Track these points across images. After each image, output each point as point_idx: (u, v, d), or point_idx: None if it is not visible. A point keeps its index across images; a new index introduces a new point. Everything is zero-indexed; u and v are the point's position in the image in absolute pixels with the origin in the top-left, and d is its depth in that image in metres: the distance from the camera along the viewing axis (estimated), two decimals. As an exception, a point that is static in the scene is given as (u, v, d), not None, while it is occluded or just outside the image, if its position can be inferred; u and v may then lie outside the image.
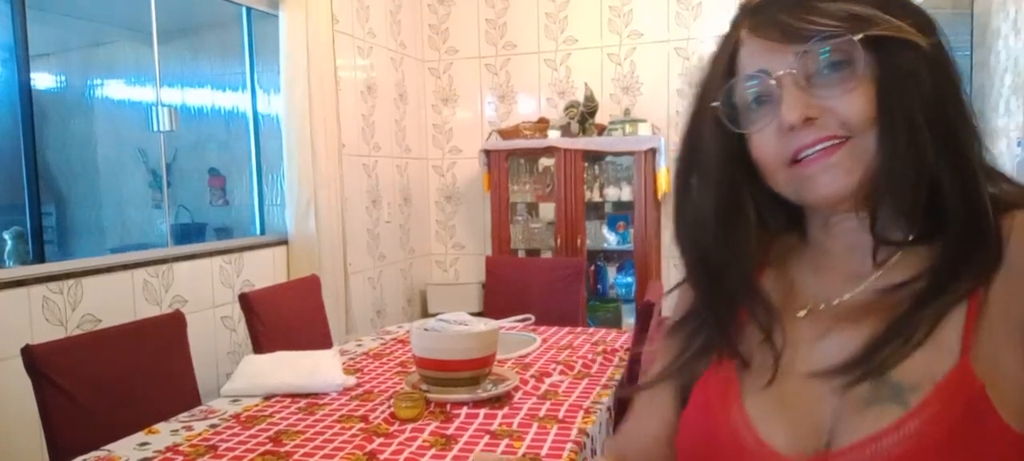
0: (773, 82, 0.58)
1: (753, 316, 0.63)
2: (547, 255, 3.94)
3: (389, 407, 1.79)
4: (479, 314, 2.18)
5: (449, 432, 1.61)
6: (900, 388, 0.53)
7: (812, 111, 0.56)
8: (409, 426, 1.65)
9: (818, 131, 0.56)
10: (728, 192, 0.63)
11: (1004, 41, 2.95)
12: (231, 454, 1.52)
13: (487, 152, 3.96)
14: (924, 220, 0.56)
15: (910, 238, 0.57)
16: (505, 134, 4.01)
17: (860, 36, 0.55)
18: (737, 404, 0.61)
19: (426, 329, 1.88)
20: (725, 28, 0.67)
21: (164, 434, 1.66)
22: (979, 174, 0.55)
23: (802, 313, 0.62)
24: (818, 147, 0.56)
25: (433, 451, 1.50)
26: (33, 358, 1.68)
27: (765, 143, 0.60)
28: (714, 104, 0.62)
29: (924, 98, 0.55)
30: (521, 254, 4.02)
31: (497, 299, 3.27)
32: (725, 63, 0.63)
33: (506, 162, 3.93)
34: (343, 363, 2.18)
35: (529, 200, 4.04)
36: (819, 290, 0.63)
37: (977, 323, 0.52)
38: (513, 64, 4.25)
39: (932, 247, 0.56)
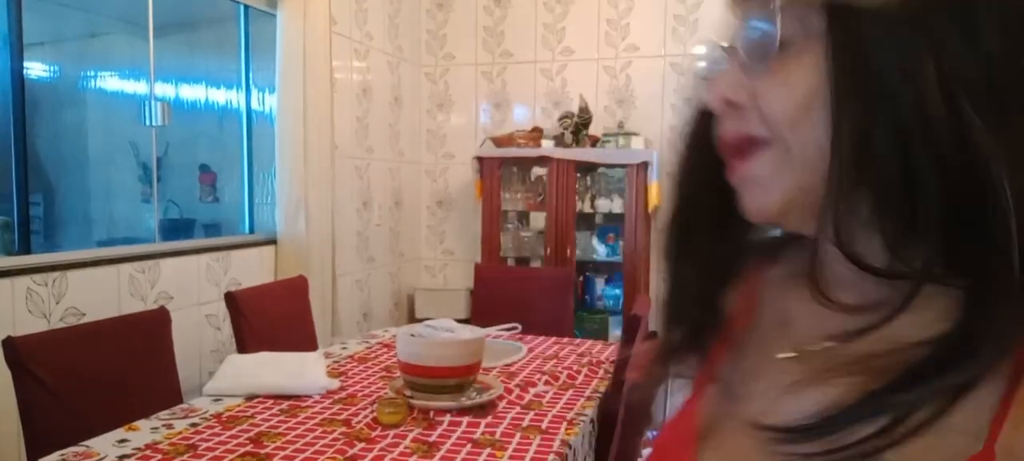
0: (720, 53, 0.45)
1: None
2: (536, 264, 3.94)
3: (372, 412, 1.78)
4: (466, 321, 2.18)
5: (431, 439, 1.60)
6: None
7: (735, 94, 0.42)
8: (391, 432, 1.65)
9: (736, 123, 0.43)
10: (688, 179, 0.52)
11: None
12: (211, 454, 1.51)
13: (480, 159, 3.96)
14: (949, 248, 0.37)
15: (903, 268, 0.38)
16: (499, 142, 4.01)
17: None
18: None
19: (412, 334, 1.88)
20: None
21: (144, 431, 1.64)
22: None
23: (785, 354, 0.46)
24: (732, 145, 0.44)
25: (414, 457, 1.50)
26: (15, 350, 1.67)
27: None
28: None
29: (894, 99, 0.36)
30: (510, 262, 4.02)
31: (485, 306, 3.27)
32: None
33: (499, 170, 3.93)
34: (327, 366, 2.18)
35: (520, 208, 4.04)
36: (814, 326, 0.45)
37: (1013, 407, 0.36)
38: (509, 72, 4.26)
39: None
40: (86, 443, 1.57)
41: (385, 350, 2.50)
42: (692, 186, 0.52)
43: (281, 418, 1.75)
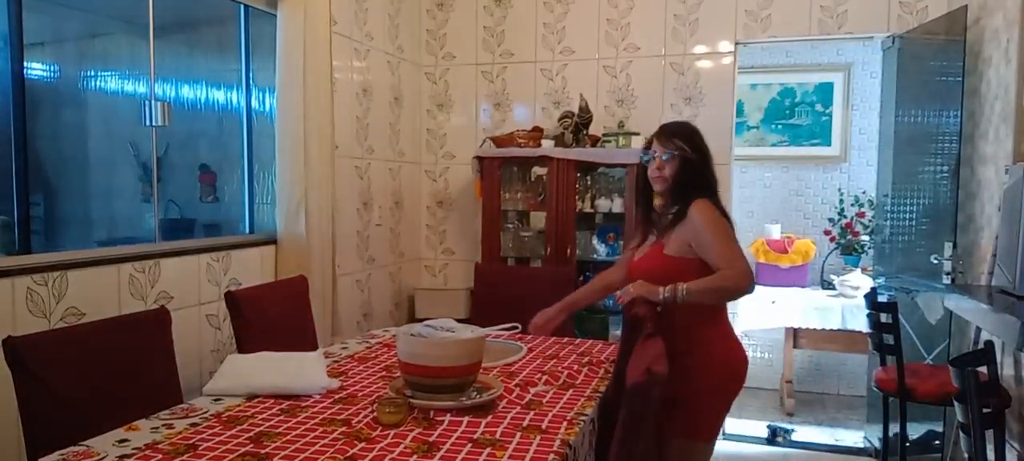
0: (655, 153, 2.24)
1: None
2: (536, 264, 3.94)
3: (372, 411, 1.78)
4: (466, 321, 2.18)
5: (431, 439, 1.60)
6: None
7: (660, 169, 2.21)
8: (391, 432, 1.65)
9: (660, 175, 2.22)
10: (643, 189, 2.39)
11: (995, 69, 2.98)
12: (211, 454, 1.51)
13: (480, 159, 3.96)
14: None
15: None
16: (499, 142, 4.01)
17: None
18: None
19: (412, 334, 1.88)
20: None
21: (144, 431, 1.65)
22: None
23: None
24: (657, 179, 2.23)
25: (415, 457, 1.50)
26: (15, 350, 1.67)
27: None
28: (646, 151, 2.28)
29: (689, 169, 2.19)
30: (511, 262, 4.02)
31: (485, 306, 3.26)
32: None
33: (499, 169, 3.93)
34: (327, 366, 2.18)
35: (520, 208, 4.04)
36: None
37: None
38: (509, 72, 4.27)
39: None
40: (86, 443, 1.57)
41: (385, 350, 2.50)
42: (642, 185, 2.32)
43: (281, 418, 1.75)
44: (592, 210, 3.88)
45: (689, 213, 2.12)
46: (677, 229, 2.15)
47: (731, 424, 4.23)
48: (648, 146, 2.24)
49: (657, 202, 2.24)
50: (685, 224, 2.13)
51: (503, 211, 3.99)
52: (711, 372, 2.12)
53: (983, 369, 2.20)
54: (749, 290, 2.03)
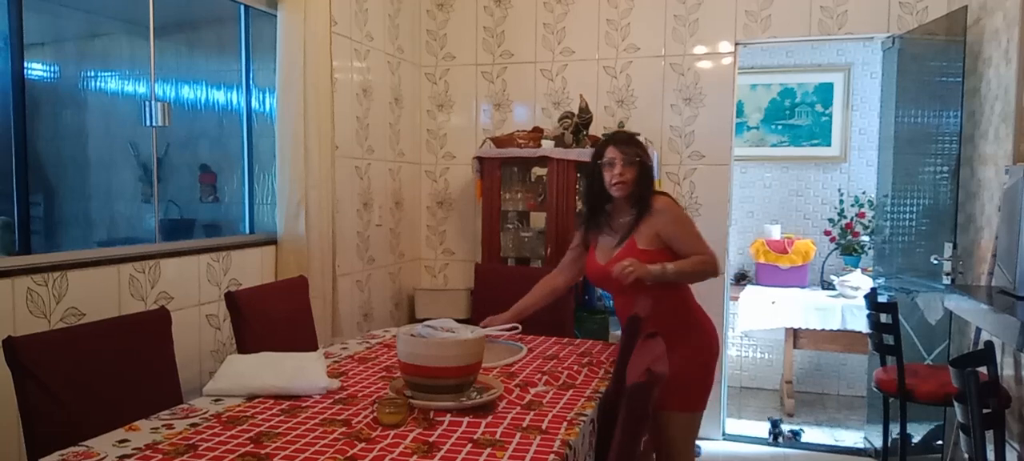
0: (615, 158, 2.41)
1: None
2: (536, 264, 3.94)
3: (372, 412, 1.78)
4: (467, 321, 2.18)
5: (432, 439, 1.60)
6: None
7: (622, 173, 2.38)
8: (391, 432, 1.65)
9: (621, 178, 2.39)
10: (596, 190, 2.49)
11: (995, 70, 2.98)
12: (211, 454, 1.51)
13: (480, 159, 3.96)
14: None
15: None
16: (499, 142, 4.01)
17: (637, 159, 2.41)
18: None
19: (412, 334, 1.88)
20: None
21: (144, 432, 1.64)
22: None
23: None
24: (618, 184, 2.40)
25: (415, 457, 1.50)
26: (15, 350, 1.67)
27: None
28: (599, 161, 2.44)
29: (645, 173, 2.42)
30: (511, 262, 4.02)
31: (485, 307, 3.25)
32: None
33: (499, 170, 3.93)
34: (327, 366, 2.18)
35: (521, 209, 4.04)
36: (617, 229, 2.46)
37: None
38: (509, 73, 4.27)
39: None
40: (86, 443, 1.57)
41: (385, 350, 2.50)
42: (597, 190, 2.48)
43: (281, 418, 1.75)
44: (592, 210, 3.88)
45: (656, 208, 2.38)
46: (644, 224, 2.38)
47: (731, 424, 4.24)
48: (600, 154, 2.43)
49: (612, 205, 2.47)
50: (653, 218, 2.37)
51: (503, 211, 3.99)
52: (700, 350, 2.45)
53: (983, 369, 2.20)
54: (717, 274, 2.41)
